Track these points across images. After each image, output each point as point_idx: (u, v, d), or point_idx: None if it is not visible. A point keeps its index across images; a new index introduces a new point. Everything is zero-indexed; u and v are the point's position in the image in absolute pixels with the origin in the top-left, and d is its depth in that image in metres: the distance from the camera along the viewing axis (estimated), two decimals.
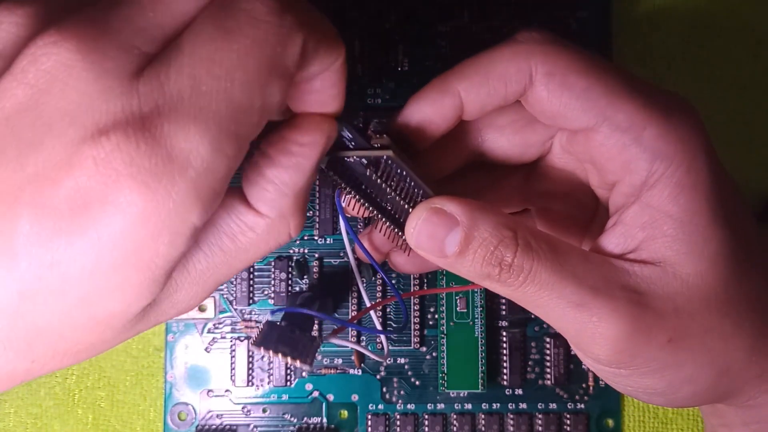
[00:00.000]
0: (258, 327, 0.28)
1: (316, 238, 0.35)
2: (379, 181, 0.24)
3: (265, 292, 0.35)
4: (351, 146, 0.24)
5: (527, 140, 0.27)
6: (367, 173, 0.24)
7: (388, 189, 0.24)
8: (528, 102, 0.25)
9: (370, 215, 0.26)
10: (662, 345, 0.23)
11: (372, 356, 0.32)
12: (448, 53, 0.35)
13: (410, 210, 0.24)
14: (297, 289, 0.35)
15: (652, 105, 0.24)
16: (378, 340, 0.35)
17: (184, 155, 0.18)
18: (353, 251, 0.29)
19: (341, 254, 0.35)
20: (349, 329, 0.34)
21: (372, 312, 0.32)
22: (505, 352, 0.35)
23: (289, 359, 0.26)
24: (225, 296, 0.35)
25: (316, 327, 0.34)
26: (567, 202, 0.29)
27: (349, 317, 0.35)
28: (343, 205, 0.27)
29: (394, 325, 0.35)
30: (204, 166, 0.18)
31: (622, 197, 0.24)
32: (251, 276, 0.35)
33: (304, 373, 0.35)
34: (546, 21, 0.35)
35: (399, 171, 0.24)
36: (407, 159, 0.25)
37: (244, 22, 0.19)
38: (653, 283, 0.23)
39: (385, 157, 0.24)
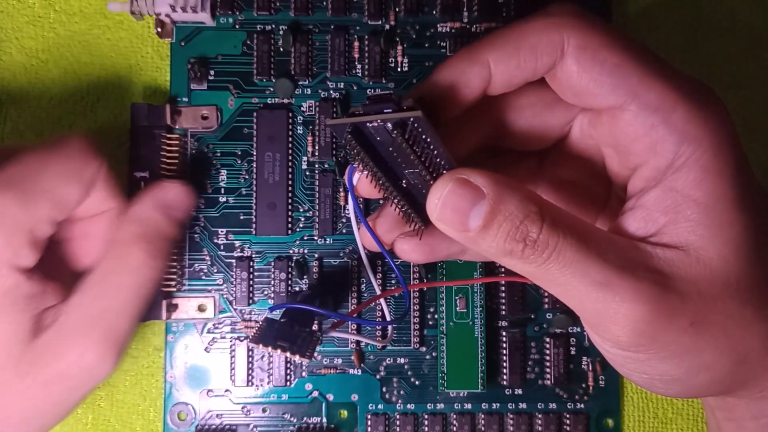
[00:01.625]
0: (258, 325, 0.28)
1: (315, 238, 0.35)
2: (404, 145, 0.23)
3: (265, 293, 0.35)
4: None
5: (546, 123, 0.27)
6: (393, 137, 0.23)
7: (412, 156, 0.23)
8: (556, 77, 0.24)
9: (384, 194, 0.25)
10: (684, 329, 0.23)
11: (372, 342, 0.32)
12: (448, 53, 0.35)
13: (431, 183, 0.23)
14: (297, 289, 0.35)
15: (681, 88, 0.23)
16: (378, 333, 0.35)
17: None
18: (360, 236, 0.29)
19: (341, 254, 0.35)
20: (349, 324, 0.34)
21: (382, 301, 0.32)
22: (504, 352, 0.35)
23: (288, 354, 0.26)
24: (225, 296, 0.35)
25: (315, 324, 0.34)
26: (579, 189, 0.28)
27: (350, 311, 0.34)
28: (354, 184, 0.27)
29: (393, 317, 0.35)
30: None
31: (643, 181, 0.24)
32: (251, 276, 0.35)
33: (303, 373, 0.35)
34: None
35: (424, 137, 0.23)
36: (433, 126, 0.24)
37: None
38: (676, 266, 0.23)
39: (413, 118, 0.22)
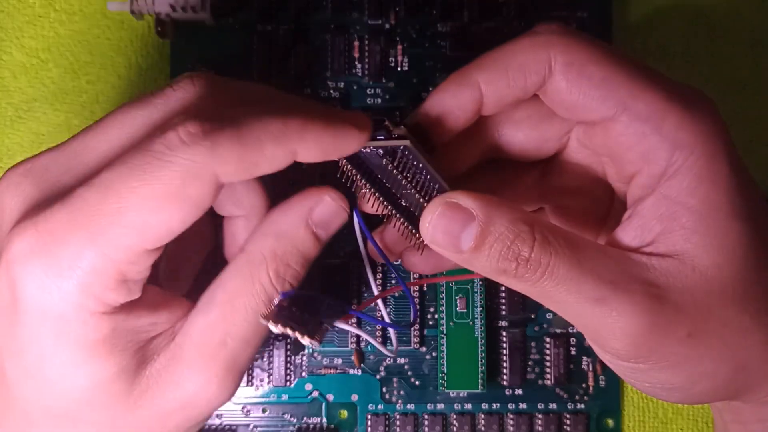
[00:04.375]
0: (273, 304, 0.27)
1: None
2: (395, 172, 0.24)
3: None
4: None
5: (544, 135, 0.27)
6: (384, 164, 0.24)
7: (404, 181, 0.24)
8: (547, 94, 0.25)
9: (385, 212, 0.26)
10: (681, 339, 0.23)
11: (381, 349, 0.32)
12: (448, 53, 0.35)
13: (425, 205, 0.24)
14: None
15: (671, 96, 0.23)
16: (377, 333, 0.35)
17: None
18: (365, 248, 0.29)
19: (341, 254, 0.35)
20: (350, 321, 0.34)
21: (380, 302, 0.32)
22: (505, 352, 0.35)
23: (297, 334, 0.25)
24: None
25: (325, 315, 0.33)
26: (582, 198, 0.29)
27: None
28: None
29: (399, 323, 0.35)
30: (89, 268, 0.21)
31: (640, 189, 0.24)
32: None
33: (303, 373, 0.35)
34: (546, 21, 0.35)
35: (415, 163, 0.24)
36: (424, 152, 0.24)
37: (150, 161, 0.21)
38: (671, 276, 0.23)
39: (402, 147, 0.23)
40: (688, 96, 0.24)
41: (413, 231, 0.26)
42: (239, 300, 0.25)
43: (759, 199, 0.24)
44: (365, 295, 0.35)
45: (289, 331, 0.25)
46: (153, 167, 0.21)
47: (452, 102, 0.25)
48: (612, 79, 0.23)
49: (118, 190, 0.21)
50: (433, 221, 0.23)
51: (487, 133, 0.27)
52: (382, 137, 0.24)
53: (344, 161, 0.24)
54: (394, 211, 0.26)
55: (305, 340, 0.25)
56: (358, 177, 0.25)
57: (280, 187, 0.27)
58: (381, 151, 0.24)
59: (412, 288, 0.34)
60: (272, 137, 0.22)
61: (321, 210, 0.26)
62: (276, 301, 0.25)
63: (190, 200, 0.22)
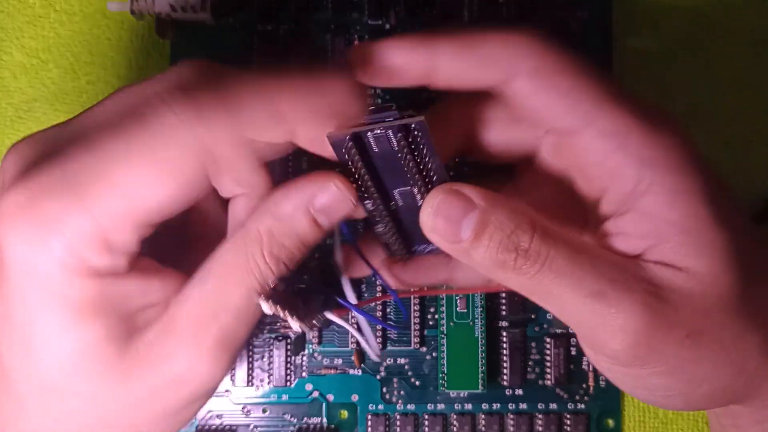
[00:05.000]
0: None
1: None
2: (406, 151, 0.23)
3: None
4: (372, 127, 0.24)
5: (514, 138, 0.27)
6: (395, 144, 0.23)
7: (411, 164, 0.24)
8: (511, 94, 0.24)
9: (373, 213, 0.26)
10: (681, 340, 0.23)
11: (366, 348, 0.31)
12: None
13: (425, 196, 0.24)
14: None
15: (636, 113, 0.24)
16: (378, 335, 0.35)
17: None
18: (341, 251, 0.28)
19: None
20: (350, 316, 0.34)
21: (366, 325, 0.31)
22: (505, 352, 0.35)
23: (288, 317, 0.25)
24: None
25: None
26: (557, 208, 0.28)
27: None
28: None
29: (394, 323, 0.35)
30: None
31: (614, 205, 0.24)
32: None
33: (304, 373, 0.35)
34: (546, 21, 0.35)
35: (425, 145, 0.24)
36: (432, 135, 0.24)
37: None
38: (668, 279, 0.23)
39: (415, 123, 0.23)
40: (654, 115, 0.24)
41: (396, 241, 0.26)
42: (234, 274, 0.24)
43: (736, 207, 0.25)
44: (365, 294, 0.35)
45: (280, 312, 0.24)
46: (139, 130, 0.22)
47: (403, 55, 0.24)
48: (577, 91, 0.23)
49: (104, 151, 0.22)
50: (436, 206, 0.23)
51: (458, 130, 0.27)
52: (392, 118, 0.23)
53: (350, 144, 0.24)
54: (383, 213, 0.25)
55: (295, 324, 0.25)
56: (360, 165, 0.24)
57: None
58: (391, 132, 0.23)
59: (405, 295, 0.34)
60: (251, 92, 0.22)
61: (324, 197, 0.24)
62: (271, 283, 0.24)
63: (170, 163, 0.22)
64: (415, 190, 0.25)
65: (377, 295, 0.34)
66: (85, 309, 0.22)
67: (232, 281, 0.24)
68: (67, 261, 0.22)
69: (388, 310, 0.35)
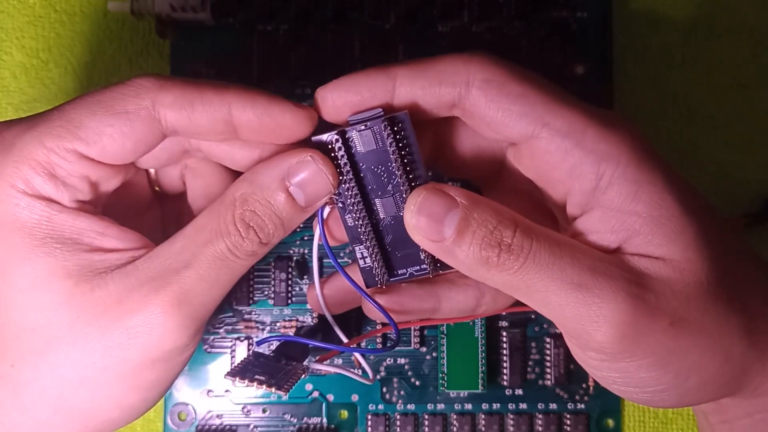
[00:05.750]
0: (243, 358, 0.27)
1: None
2: (392, 144, 0.24)
3: (265, 292, 0.35)
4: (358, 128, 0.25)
5: (480, 150, 0.28)
6: (381, 137, 0.25)
7: (396, 158, 0.25)
8: (466, 109, 0.25)
9: (357, 227, 0.26)
10: (665, 328, 0.23)
11: (358, 378, 0.31)
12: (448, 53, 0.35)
13: (406, 196, 0.25)
14: (297, 289, 0.35)
15: (589, 113, 0.24)
16: (378, 338, 0.35)
17: None
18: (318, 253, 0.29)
19: (341, 254, 0.35)
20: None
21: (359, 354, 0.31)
22: (505, 352, 0.35)
23: (265, 387, 0.25)
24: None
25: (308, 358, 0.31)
26: (527, 217, 0.29)
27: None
28: (325, 218, 0.27)
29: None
30: None
31: (579, 207, 0.25)
32: (251, 276, 0.35)
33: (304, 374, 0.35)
34: (546, 21, 0.35)
35: (409, 139, 0.25)
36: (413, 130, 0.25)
37: None
38: (647, 268, 0.23)
39: (400, 115, 0.25)
40: (605, 115, 0.25)
41: (378, 262, 0.27)
42: (203, 235, 0.24)
43: (700, 196, 0.25)
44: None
45: (256, 386, 0.25)
46: (107, 93, 0.24)
47: (365, 81, 0.25)
48: (530, 96, 0.24)
49: (71, 103, 0.24)
50: (418, 203, 0.24)
51: (431, 141, 0.28)
52: (377, 114, 0.25)
53: (338, 143, 0.25)
54: (367, 226, 0.26)
55: (272, 391, 0.25)
56: (344, 162, 0.25)
57: None
58: (383, 118, 0.25)
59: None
60: (212, 87, 0.24)
61: (298, 168, 0.25)
62: (247, 354, 0.25)
63: (127, 116, 0.24)
64: (399, 200, 0.25)
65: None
66: (35, 232, 0.24)
67: (199, 241, 0.24)
68: (10, 178, 0.24)
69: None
